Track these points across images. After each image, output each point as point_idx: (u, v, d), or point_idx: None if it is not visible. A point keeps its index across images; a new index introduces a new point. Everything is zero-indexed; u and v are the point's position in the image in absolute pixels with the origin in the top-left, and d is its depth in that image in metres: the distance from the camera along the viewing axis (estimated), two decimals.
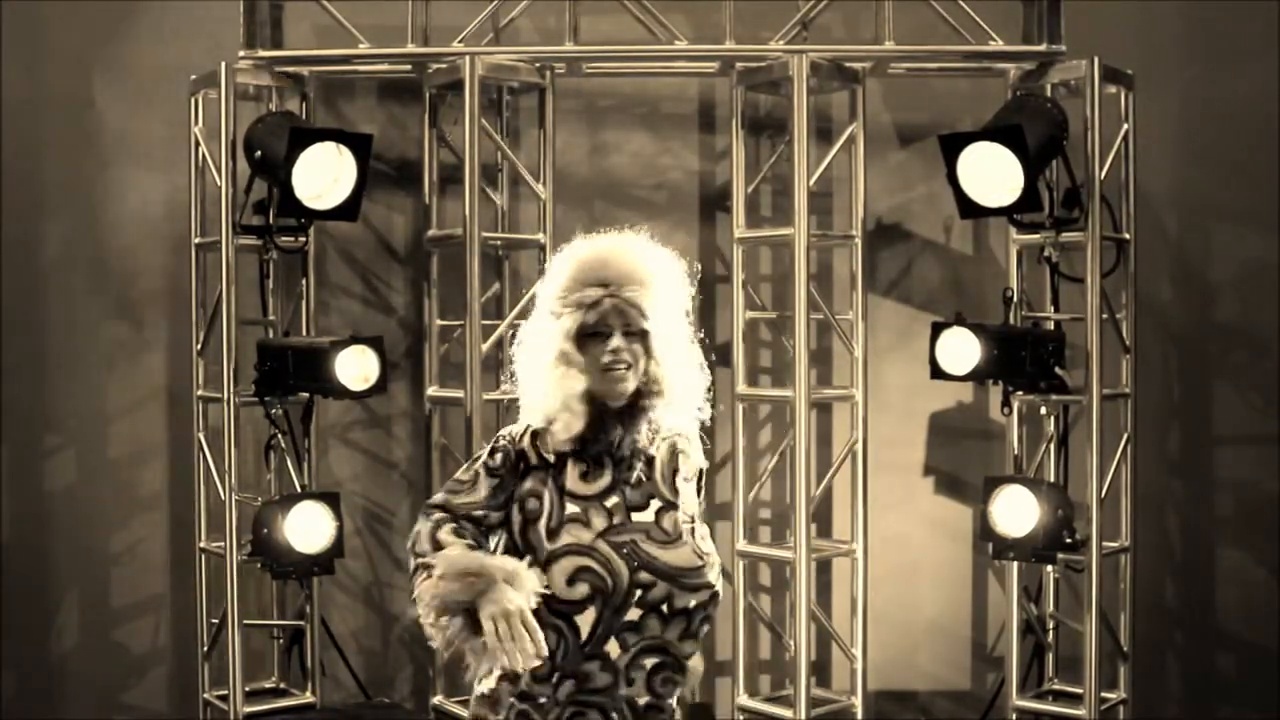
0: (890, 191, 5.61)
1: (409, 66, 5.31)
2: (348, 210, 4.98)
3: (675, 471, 2.86)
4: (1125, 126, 5.15)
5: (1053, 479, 5.17)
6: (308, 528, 5.03)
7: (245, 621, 5.16)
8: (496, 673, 2.74)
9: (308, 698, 5.32)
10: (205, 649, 5.26)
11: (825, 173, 5.27)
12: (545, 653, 2.62)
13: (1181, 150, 5.59)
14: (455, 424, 5.35)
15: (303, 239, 5.27)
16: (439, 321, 5.38)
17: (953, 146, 4.83)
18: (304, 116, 5.28)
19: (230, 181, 5.01)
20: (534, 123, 5.39)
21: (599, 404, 2.81)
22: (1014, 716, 5.25)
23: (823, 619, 5.38)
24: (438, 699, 5.40)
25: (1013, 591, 5.24)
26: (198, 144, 5.20)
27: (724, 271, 5.48)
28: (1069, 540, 4.96)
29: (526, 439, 2.86)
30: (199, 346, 5.26)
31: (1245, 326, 5.62)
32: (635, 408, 2.81)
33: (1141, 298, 5.25)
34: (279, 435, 5.21)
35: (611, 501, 2.79)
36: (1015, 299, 5.17)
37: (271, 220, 5.08)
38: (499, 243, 5.45)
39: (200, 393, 5.25)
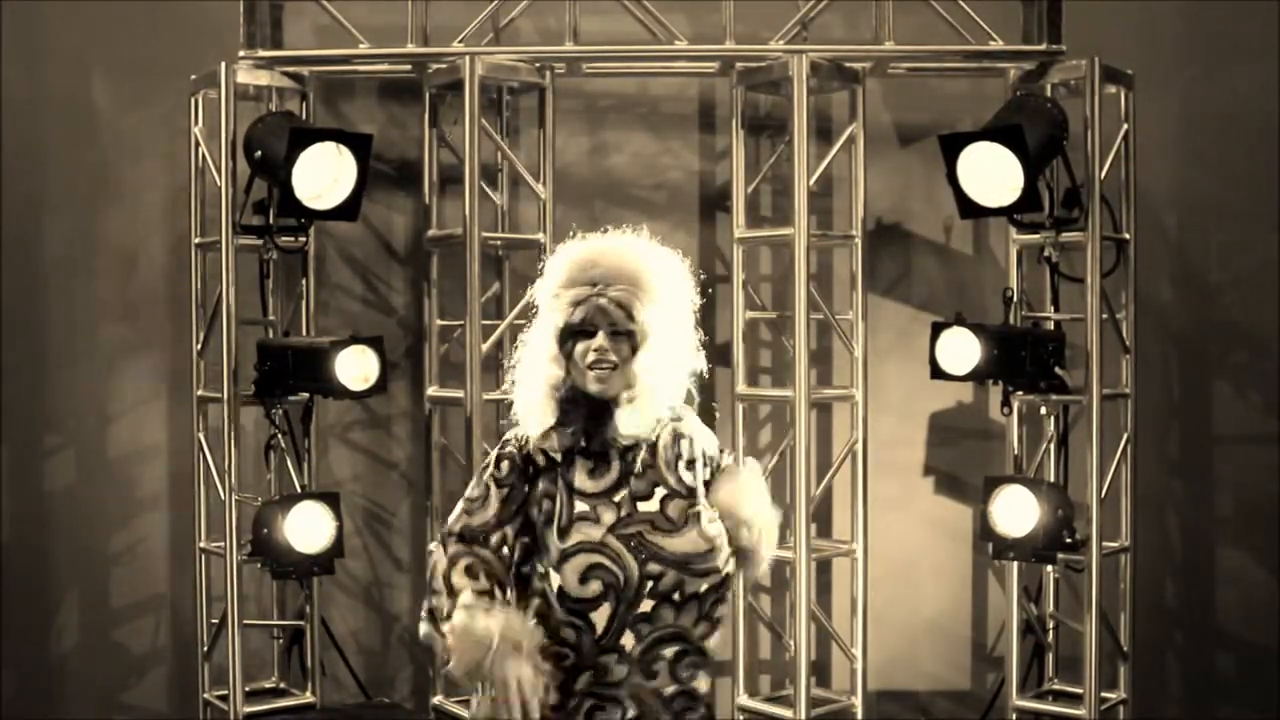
0: (890, 191, 5.61)
1: (409, 66, 5.31)
2: (348, 210, 4.98)
3: (679, 457, 2.86)
4: (1125, 126, 5.15)
5: (1053, 479, 5.17)
6: (308, 528, 5.03)
7: (245, 621, 5.16)
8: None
9: (308, 698, 5.32)
10: (205, 649, 5.26)
11: (825, 173, 5.27)
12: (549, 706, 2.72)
13: (1181, 150, 5.59)
14: (455, 424, 5.35)
15: (303, 239, 5.27)
16: (439, 321, 5.38)
17: (953, 146, 4.83)
18: (304, 116, 5.28)
19: (230, 181, 5.01)
20: (534, 123, 5.39)
21: (592, 399, 2.82)
22: (1014, 716, 5.25)
23: (823, 619, 5.38)
24: (438, 699, 5.40)
25: (1013, 591, 5.24)
26: (198, 144, 5.20)
27: (724, 271, 5.48)
28: (1069, 540, 4.96)
29: (534, 441, 2.88)
30: (199, 346, 5.26)
31: (1245, 326, 5.62)
32: (616, 403, 2.83)
33: (1141, 298, 5.25)
34: (279, 435, 5.21)
35: (620, 495, 2.81)
36: (1015, 299, 5.17)
37: (271, 220, 5.08)
38: (499, 243, 5.45)
39: (200, 393, 5.25)
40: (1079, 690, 5.10)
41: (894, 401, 5.55)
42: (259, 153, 4.96)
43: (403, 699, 5.65)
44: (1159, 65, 5.44)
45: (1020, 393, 5.15)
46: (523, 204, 5.50)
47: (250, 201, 5.08)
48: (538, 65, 5.26)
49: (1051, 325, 5.18)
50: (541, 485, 2.85)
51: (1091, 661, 5.01)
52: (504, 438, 2.96)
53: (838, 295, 5.55)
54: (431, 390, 5.36)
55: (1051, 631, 5.33)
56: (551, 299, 2.87)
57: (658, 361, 2.81)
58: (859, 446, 5.32)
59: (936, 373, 5.03)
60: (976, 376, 5.08)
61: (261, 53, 5.20)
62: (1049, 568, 5.23)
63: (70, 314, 5.61)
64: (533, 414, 2.87)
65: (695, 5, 5.38)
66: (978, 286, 5.60)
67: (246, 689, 5.17)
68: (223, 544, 5.07)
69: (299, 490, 5.23)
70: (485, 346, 5.17)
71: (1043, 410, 5.22)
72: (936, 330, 5.03)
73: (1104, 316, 5.03)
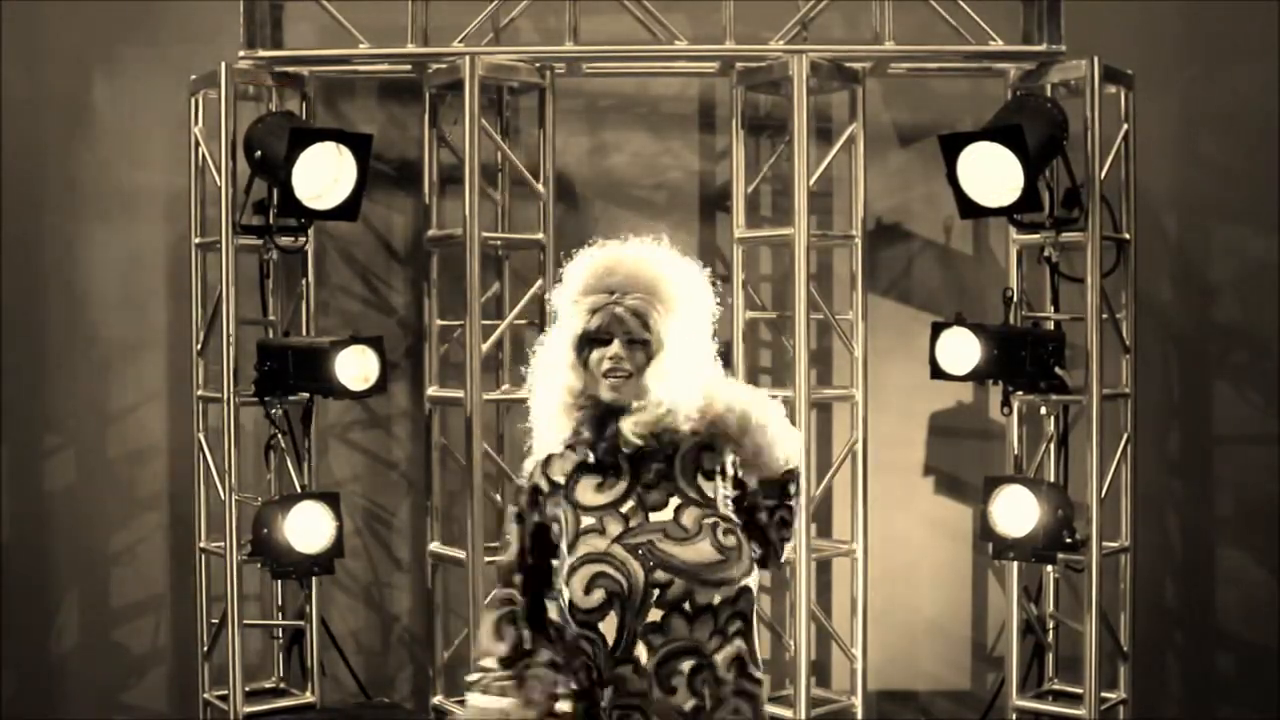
0: (890, 191, 5.61)
1: (409, 66, 5.31)
2: (348, 210, 4.98)
3: (699, 468, 2.83)
4: (1125, 126, 5.15)
5: (1053, 479, 5.17)
6: (308, 528, 5.03)
7: (245, 621, 5.16)
8: None
9: (308, 698, 5.32)
10: (205, 649, 5.26)
11: (825, 173, 5.27)
12: None
13: (1181, 150, 5.59)
14: (455, 424, 5.35)
15: (303, 239, 5.27)
16: (439, 321, 5.38)
17: (953, 146, 4.83)
18: (304, 116, 5.28)
19: (230, 181, 5.01)
20: (534, 123, 5.38)
21: (605, 406, 2.82)
22: (1014, 716, 5.25)
23: (823, 619, 5.38)
24: (438, 699, 5.40)
25: (1013, 591, 5.24)
26: (198, 144, 5.20)
27: (724, 271, 5.47)
28: (1069, 540, 4.96)
29: (538, 471, 2.90)
30: (199, 346, 5.26)
31: (1245, 326, 5.62)
32: (627, 411, 2.81)
33: (1141, 298, 5.25)
34: (279, 435, 5.21)
35: (627, 506, 2.79)
36: (1015, 299, 5.17)
37: (271, 220, 5.08)
38: (499, 243, 5.45)
39: (200, 393, 5.25)
40: (1079, 690, 5.10)
41: (894, 401, 5.55)
42: (259, 153, 4.96)
43: (403, 699, 5.65)
44: (1159, 65, 5.44)
45: (1020, 393, 5.15)
46: (523, 204, 5.49)
47: (250, 201, 5.08)
48: (538, 65, 5.25)
49: (1051, 325, 5.18)
50: (549, 510, 2.86)
51: (1091, 661, 5.01)
52: (522, 468, 2.98)
53: (838, 295, 5.55)
54: (431, 390, 5.36)
55: (1051, 631, 5.33)
56: (570, 305, 2.84)
57: (672, 370, 2.79)
58: (859, 446, 5.32)
59: (936, 373, 5.03)
60: (976, 376, 5.08)
61: (261, 53, 5.20)
62: (1049, 568, 5.22)
63: (70, 314, 5.61)
64: (550, 423, 2.86)
65: (695, 5, 5.37)
66: (978, 286, 5.60)
67: (246, 689, 5.17)
68: (223, 544, 5.07)
69: (299, 490, 5.23)
70: (485, 346, 5.17)
71: (1043, 410, 5.22)
72: (936, 330, 5.03)
73: (1104, 316, 5.03)
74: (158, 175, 5.57)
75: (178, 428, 5.53)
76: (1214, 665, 5.67)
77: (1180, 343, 5.64)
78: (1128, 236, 5.15)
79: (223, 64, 5.01)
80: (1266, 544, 5.56)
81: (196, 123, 5.21)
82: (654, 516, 2.77)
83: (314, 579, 5.24)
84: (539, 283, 5.30)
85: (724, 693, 2.75)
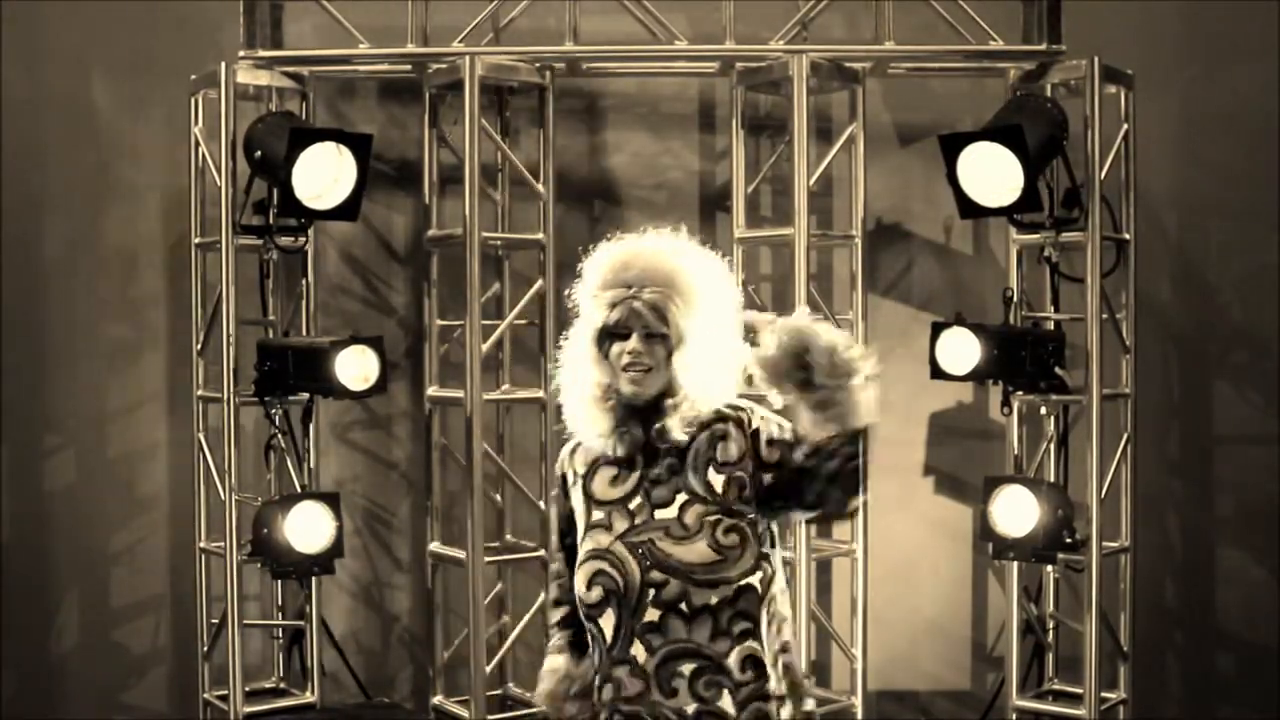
0: (890, 191, 5.61)
1: (409, 66, 5.31)
2: (348, 210, 4.98)
3: (711, 460, 2.79)
4: (1125, 126, 5.15)
5: (1053, 479, 5.17)
6: (308, 528, 5.03)
7: (245, 621, 5.16)
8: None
9: (308, 698, 5.32)
10: (205, 649, 5.25)
11: (825, 173, 5.27)
12: None
13: (1181, 150, 5.59)
14: (455, 424, 5.35)
15: (303, 239, 5.27)
16: (439, 321, 5.38)
17: (953, 146, 4.83)
18: (304, 116, 5.28)
19: (230, 181, 5.01)
20: (534, 123, 5.39)
21: (626, 402, 2.81)
22: (1014, 716, 5.25)
23: (823, 619, 5.38)
24: (438, 699, 5.40)
25: (1013, 591, 5.24)
26: (198, 144, 5.20)
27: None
28: (1069, 540, 4.96)
29: (566, 456, 2.92)
30: (199, 346, 5.26)
31: (1245, 326, 5.62)
32: (660, 406, 2.80)
33: (1141, 298, 5.25)
34: (279, 435, 5.21)
35: (635, 503, 2.79)
36: (1015, 299, 5.17)
37: (271, 220, 5.08)
38: (499, 243, 5.45)
39: (200, 393, 5.25)
40: (1079, 690, 5.10)
41: (894, 401, 5.54)
42: (259, 153, 4.96)
43: (403, 699, 5.65)
44: (1159, 65, 5.44)
45: (1020, 393, 5.15)
46: (523, 204, 5.49)
47: (250, 201, 5.08)
48: (538, 65, 5.26)
49: (1051, 325, 5.18)
50: (572, 499, 2.88)
51: (1091, 661, 5.02)
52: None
53: (838, 295, 5.54)
54: (431, 390, 5.36)
55: (1051, 631, 5.33)
56: (590, 300, 2.83)
57: (695, 363, 2.77)
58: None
59: (936, 373, 5.03)
60: (976, 376, 5.08)
61: (261, 53, 5.20)
62: (1049, 568, 5.22)
63: (70, 314, 5.61)
64: (582, 417, 2.84)
65: (695, 5, 5.38)
66: (978, 286, 5.60)
67: (246, 689, 5.17)
68: (223, 544, 5.07)
69: (299, 490, 5.23)
70: (485, 346, 5.17)
71: (1043, 410, 5.22)
72: (936, 330, 5.03)
73: (1104, 316, 5.03)
74: (158, 175, 5.57)
75: (178, 428, 5.53)
76: (1214, 665, 5.67)
77: (1180, 343, 5.64)
78: (1128, 236, 5.15)
79: (223, 64, 5.01)
80: (1266, 544, 5.56)
81: (196, 123, 5.21)
82: (659, 514, 2.76)
83: (314, 579, 5.23)
84: (539, 283, 5.30)
85: (742, 696, 2.73)
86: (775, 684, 2.77)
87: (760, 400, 2.84)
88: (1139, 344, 5.23)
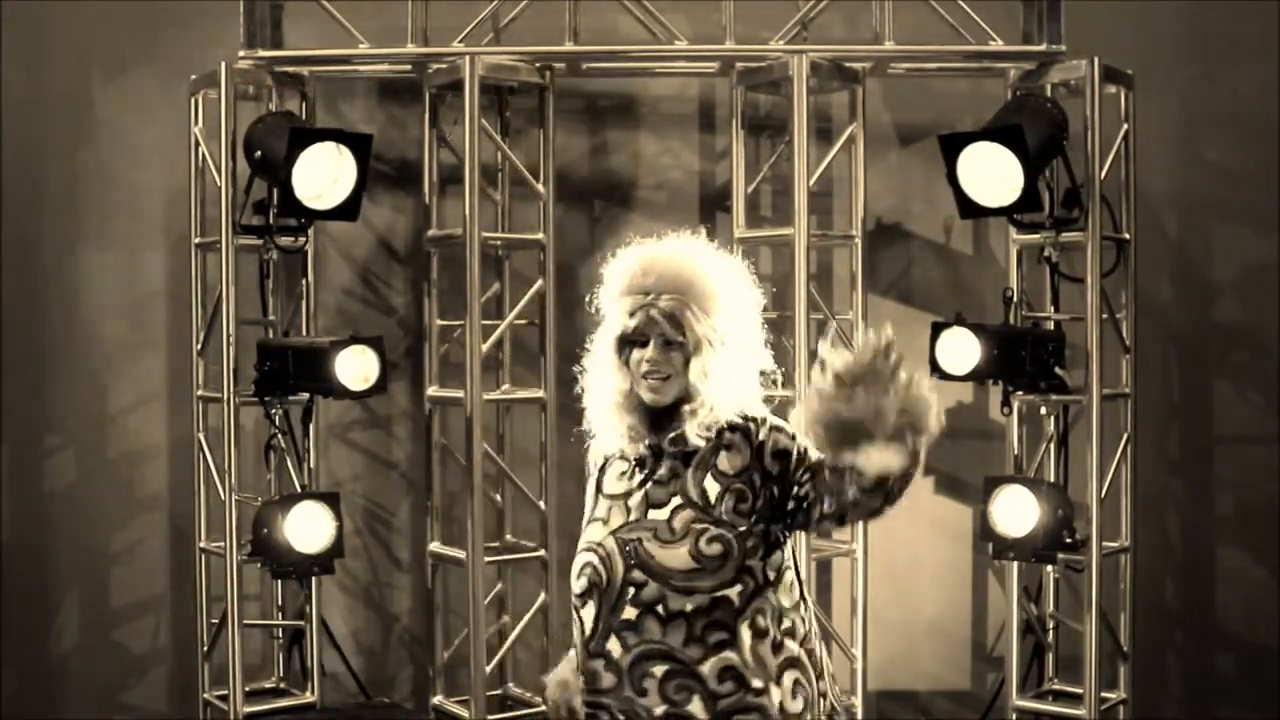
0: (890, 191, 5.61)
1: (409, 66, 5.31)
2: (348, 210, 4.98)
3: (710, 469, 2.79)
4: (1125, 126, 5.15)
5: (1053, 479, 5.17)
6: (308, 528, 5.03)
7: (245, 621, 5.16)
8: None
9: (308, 698, 5.32)
10: (205, 649, 5.25)
11: (825, 173, 5.27)
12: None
13: (1181, 150, 5.59)
14: (455, 424, 5.35)
15: (303, 239, 5.26)
16: (439, 321, 5.38)
17: (953, 146, 4.83)
18: (304, 116, 5.28)
19: (230, 181, 5.01)
20: (534, 123, 5.38)
21: (646, 406, 2.82)
22: (1014, 716, 5.25)
23: (823, 619, 5.38)
24: (438, 699, 5.40)
25: (1013, 591, 5.24)
26: (198, 144, 5.20)
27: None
28: (1069, 540, 4.96)
29: (592, 448, 2.95)
30: (199, 346, 5.26)
31: (1245, 326, 5.62)
32: (678, 411, 2.81)
33: (1141, 298, 5.25)
34: (279, 435, 5.21)
35: (635, 500, 2.81)
36: (1015, 299, 5.17)
37: (271, 220, 5.07)
38: (499, 243, 5.45)
39: (200, 393, 5.25)
40: (1079, 690, 5.10)
41: None
42: (259, 153, 4.96)
43: (403, 699, 5.65)
44: (1159, 65, 5.44)
45: (1020, 393, 5.15)
46: (523, 204, 5.49)
47: (250, 201, 5.08)
48: (538, 65, 5.25)
49: (1051, 325, 5.18)
50: (590, 489, 2.92)
51: (1091, 661, 5.01)
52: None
53: (838, 295, 5.54)
54: (431, 390, 5.37)
55: (1051, 631, 5.33)
56: (612, 305, 2.84)
57: (712, 370, 2.77)
58: None
59: (936, 373, 5.03)
60: (976, 376, 5.08)
61: (261, 53, 5.19)
62: (1049, 568, 5.22)
63: (70, 314, 5.61)
64: (605, 421, 2.87)
65: (695, 5, 5.37)
66: (978, 286, 5.60)
67: (246, 689, 5.17)
68: (223, 544, 5.07)
69: (299, 490, 5.23)
70: (485, 346, 5.17)
71: (1043, 410, 5.22)
72: (936, 330, 5.02)
73: (1104, 316, 5.03)
74: (158, 175, 5.57)
75: (178, 428, 5.53)
76: (1214, 665, 5.67)
77: (1180, 343, 5.64)
78: (1128, 236, 5.15)
79: (223, 64, 5.01)
80: (1266, 544, 5.56)
81: (196, 123, 5.21)
82: (652, 514, 2.78)
83: (314, 579, 5.23)
84: (539, 283, 5.30)
85: (723, 707, 2.72)
86: (789, 701, 2.76)
87: (783, 407, 2.84)
88: (1139, 344, 5.23)
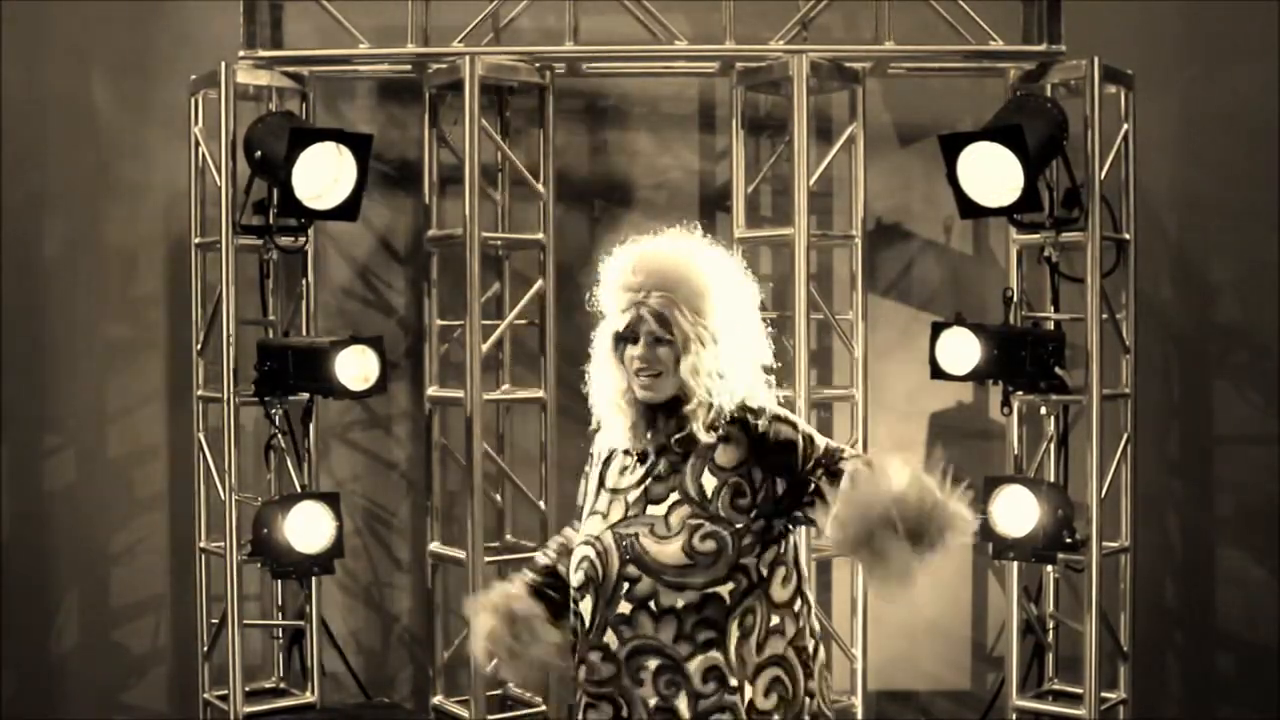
0: (890, 191, 5.61)
1: (409, 66, 5.31)
2: (348, 210, 4.98)
3: (709, 463, 2.80)
4: (1125, 126, 5.15)
5: (1053, 479, 5.17)
6: (308, 528, 5.03)
7: (245, 621, 5.16)
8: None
9: (308, 698, 5.32)
10: (205, 649, 5.25)
11: (825, 173, 5.27)
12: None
13: (1181, 150, 5.59)
14: (455, 424, 5.35)
15: (303, 239, 5.26)
16: (439, 321, 5.38)
17: (953, 146, 4.83)
18: (304, 116, 5.28)
19: (230, 181, 5.01)
20: (534, 123, 5.38)
21: (643, 402, 2.84)
22: (1014, 716, 5.25)
23: (823, 619, 5.38)
24: (438, 699, 5.40)
25: (1013, 591, 5.24)
26: (198, 144, 5.20)
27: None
28: (1069, 540, 4.96)
29: (595, 440, 2.97)
30: (199, 346, 5.26)
31: (1245, 326, 5.62)
32: (678, 409, 2.82)
33: (1141, 298, 5.25)
34: (279, 435, 5.21)
35: (634, 495, 2.83)
36: (1015, 299, 5.17)
37: (271, 220, 5.07)
38: (499, 243, 5.45)
39: (200, 393, 5.25)
40: (1079, 690, 5.10)
41: (894, 401, 5.55)
42: (259, 153, 4.96)
43: (403, 699, 5.65)
44: (1159, 65, 5.44)
45: (1020, 393, 5.15)
46: (523, 204, 5.49)
47: (250, 201, 5.08)
48: (538, 65, 5.25)
49: (1051, 325, 5.18)
50: (590, 481, 2.95)
51: (1091, 661, 5.01)
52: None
53: (838, 295, 5.55)
54: (431, 390, 5.37)
55: (1051, 631, 5.33)
56: (609, 302, 2.86)
57: (702, 366, 2.78)
58: (859, 446, 5.31)
59: (936, 373, 5.03)
60: (976, 376, 5.08)
61: (261, 53, 5.20)
62: (1049, 568, 5.22)
63: (70, 314, 5.61)
64: (608, 416, 2.89)
65: (695, 5, 5.38)
66: (978, 286, 5.60)
67: (246, 689, 5.17)
68: (223, 544, 5.07)
69: (299, 490, 5.23)
70: (485, 346, 5.17)
71: (1043, 410, 5.22)
72: (936, 330, 5.02)
73: (1104, 316, 5.03)
74: (158, 175, 5.57)
75: (178, 428, 5.53)
76: (1214, 665, 5.67)
77: (1180, 343, 5.64)
78: (1128, 236, 5.15)
79: (223, 64, 5.01)
80: (1266, 544, 5.56)
81: (196, 123, 5.21)
82: (650, 509, 2.80)
83: (314, 579, 5.23)
84: (539, 283, 5.30)
85: (703, 708, 2.74)
86: (761, 699, 2.77)
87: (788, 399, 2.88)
88: (1139, 344, 5.23)
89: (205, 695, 5.27)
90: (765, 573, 2.80)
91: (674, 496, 2.79)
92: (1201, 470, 5.65)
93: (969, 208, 4.88)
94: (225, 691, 5.10)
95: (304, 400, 5.23)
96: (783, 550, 2.84)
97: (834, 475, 2.75)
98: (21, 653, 5.59)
